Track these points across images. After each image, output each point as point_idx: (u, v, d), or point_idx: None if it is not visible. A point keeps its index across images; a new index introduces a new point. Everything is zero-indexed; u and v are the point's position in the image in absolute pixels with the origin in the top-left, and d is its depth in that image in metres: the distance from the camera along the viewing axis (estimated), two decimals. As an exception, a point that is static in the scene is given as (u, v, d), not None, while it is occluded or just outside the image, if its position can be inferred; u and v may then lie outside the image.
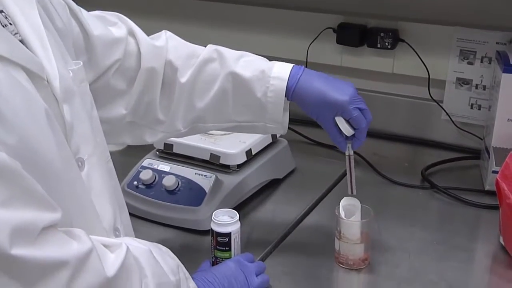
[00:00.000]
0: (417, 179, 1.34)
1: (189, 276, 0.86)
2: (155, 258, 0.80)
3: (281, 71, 0.99)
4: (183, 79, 1.00)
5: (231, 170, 1.21)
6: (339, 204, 1.03)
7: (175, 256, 0.86)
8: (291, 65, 1.00)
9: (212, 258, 1.02)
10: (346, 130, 0.98)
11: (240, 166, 1.22)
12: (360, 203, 1.03)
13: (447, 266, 1.04)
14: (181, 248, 1.09)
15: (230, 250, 1.00)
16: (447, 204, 1.24)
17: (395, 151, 1.48)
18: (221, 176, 1.19)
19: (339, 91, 0.97)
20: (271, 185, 1.30)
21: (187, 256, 0.91)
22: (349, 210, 1.03)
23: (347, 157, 1.03)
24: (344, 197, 1.04)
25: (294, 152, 1.36)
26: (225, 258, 1.00)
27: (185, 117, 1.02)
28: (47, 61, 0.75)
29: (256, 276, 0.95)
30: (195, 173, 1.19)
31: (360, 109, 0.97)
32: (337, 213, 1.02)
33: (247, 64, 1.00)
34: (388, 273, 1.02)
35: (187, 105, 1.01)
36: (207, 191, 1.16)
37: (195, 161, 1.23)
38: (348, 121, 0.98)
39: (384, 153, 1.45)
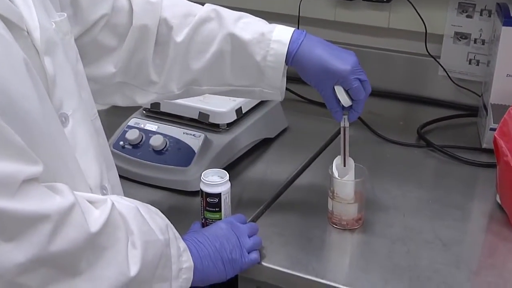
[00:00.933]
0: (413, 138, 1.35)
1: (179, 236, 0.87)
2: (143, 216, 0.80)
3: (282, 35, 0.98)
4: (178, 38, 0.99)
5: (220, 129, 1.22)
6: (332, 163, 1.04)
7: (164, 216, 0.87)
8: (292, 29, 0.99)
9: (202, 220, 1.03)
10: (345, 100, 0.99)
11: (230, 125, 1.22)
12: (354, 162, 1.04)
13: (442, 225, 1.05)
14: (170, 209, 1.10)
15: (220, 211, 1.02)
16: (443, 163, 1.26)
17: (390, 109, 1.49)
18: (211, 136, 1.19)
19: (341, 60, 0.97)
20: (263, 145, 1.31)
21: (176, 217, 0.92)
22: (343, 170, 1.04)
23: (342, 129, 1.03)
24: (338, 156, 1.05)
25: (286, 110, 1.37)
26: (215, 220, 1.01)
27: (179, 78, 1.02)
28: (27, 12, 0.74)
29: (249, 237, 0.96)
30: (184, 133, 1.19)
31: (360, 80, 0.97)
32: (330, 173, 1.04)
33: (246, 25, 0.99)
34: (382, 233, 1.04)
35: (182, 66, 1.01)
36: (196, 151, 1.16)
37: (183, 120, 1.23)
38: (347, 92, 0.98)
39: (379, 111, 1.46)
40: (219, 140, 1.19)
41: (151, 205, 0.88)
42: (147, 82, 1.02)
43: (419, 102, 1.51)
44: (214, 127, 1.21)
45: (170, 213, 0.90)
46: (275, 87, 1.01)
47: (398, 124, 1.43)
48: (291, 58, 0.98)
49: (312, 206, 1.10)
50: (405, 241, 1.01)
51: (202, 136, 1.18)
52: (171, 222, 0.87)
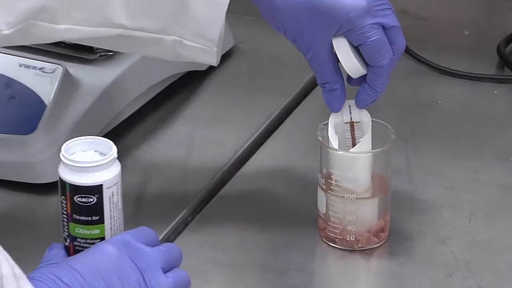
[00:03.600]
0: (490, 63, 1.44)
1: (22, 273, 0.92)
2: None
3: None
4: None
5: (96, 57, 1.28)
6: (327, 121, 1.09)
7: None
8: None
9: (66, 240, 1.08)
10: (352, 66, 1.04)
11: (115, 47, 1.29)
12: (371, 117, 1.10)
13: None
14: (1, 220, 1.14)
15: (102, 221, 1.06)
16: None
17: (446, 9, 1.57)
18: (76, 70, 1.25)
19: None
20: (184, 87, 1.38)
21: (14, 236, 0.98)
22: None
23: (348, 126, 1.09)
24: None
25: (231, 18, 1.39)
26: (94, 239, 1.06)
27: (13, 4, 1.07)
28: None
29: (164, 272, 1.01)
30: (21, 65, 1.24)
31: (384, 28, 1.04)
32: (320, 139, 1.09)
33: None
34: (428, 255, 1.10)
35: None
36: (47, 102, 1.22)
37: (20, 40, 1.29)
38: (357, 50, 1.04)
39: (425, 13, 1.54)
40: (95, 78, 1.25)
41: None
42: None
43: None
44: (83, 53, 1.27)
45: (2, 228, 0.95)
46: (208, 38, 1.07)
47: (462, 35, 1.51)
48: None
49: (287, 207, 1.17)
50: (473, 269, 1.07)
51: (60, 70, 1.23)
52: (4, 246, 0.92)
